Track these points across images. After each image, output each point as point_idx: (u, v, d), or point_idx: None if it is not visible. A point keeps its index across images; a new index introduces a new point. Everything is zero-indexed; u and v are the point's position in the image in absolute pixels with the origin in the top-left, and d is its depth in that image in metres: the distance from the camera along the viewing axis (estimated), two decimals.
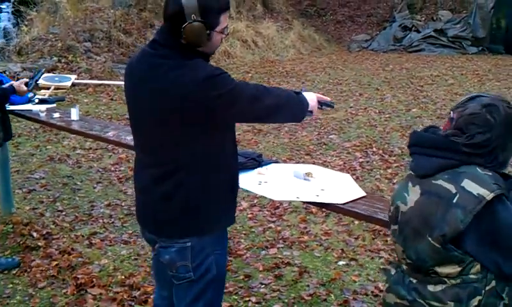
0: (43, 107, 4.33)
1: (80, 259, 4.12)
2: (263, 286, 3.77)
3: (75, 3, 12.88)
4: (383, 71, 12.93)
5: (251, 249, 4.32)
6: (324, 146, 7.06)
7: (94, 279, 3.80)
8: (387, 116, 8.62)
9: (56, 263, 4.04)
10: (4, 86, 4.16)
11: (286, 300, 3.59)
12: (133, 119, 2.23)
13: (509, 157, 1.83)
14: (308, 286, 3.77)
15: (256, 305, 3.55)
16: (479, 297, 1.72)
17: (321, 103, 2.52)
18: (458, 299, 1.73)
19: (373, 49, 18.53)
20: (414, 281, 1.84)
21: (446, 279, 1.75)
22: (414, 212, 1.81)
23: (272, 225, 4.76)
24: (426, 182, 1.79)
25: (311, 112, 2.40)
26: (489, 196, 1.65)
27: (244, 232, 4.64)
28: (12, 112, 4.40)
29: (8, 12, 14.85)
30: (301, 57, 15.23)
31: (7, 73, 9.77)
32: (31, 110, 4.42)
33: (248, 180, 2.70)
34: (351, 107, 9.07)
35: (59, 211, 5.05)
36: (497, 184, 1.68)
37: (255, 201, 5.24)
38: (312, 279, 3.87)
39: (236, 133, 2.31)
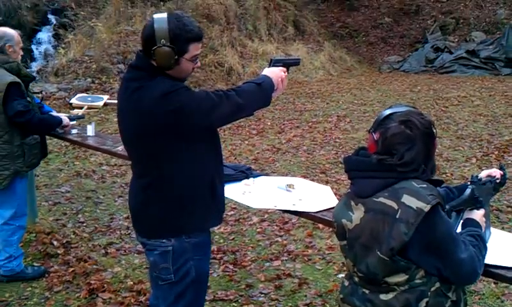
0: None
1: (95, 266, 4.40)
2: (262, 295, 3.97)
3: (110, 27, 13.44)
4: (410, 92, 12.98)
5: (256, 261, 4.52)
6: (340, 165, 7.20)
7: (105, 285, 4.08)
8: None
9: (72, 269, 4.33)
10: (55, 117, 4.43)
11: None
12: (121, 136, 2.50)
13: (435, 162, 2.00)
14: (305, 296, 3.94)
15: None
16: (426, 299, 1.88)
17: (288, 68, 2.68)
18: (408, 303, 1.89)
19: (404, 70, 18.56)
20: (367, 291, 2.00)
21: (396, 287, 1.91)
22: (362, 229, 1.96)
23: (279, 239, 4.95)
24: (368, 201, 1.95)
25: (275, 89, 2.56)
26: (426, 207, 1.82)
27: (251, 245, 4.85)
28: None
29: (49, 35, 15.63)
30: (329, 78, 15.41)
31: (43, 93, 10.32)
32: None
33: (233, 190, 2.93)
34: None
35: (80, 222, 5.37)
36: (432, 194, 1.85)
37: (266, 217, 5.44)
38: (310, 290, 4.04)
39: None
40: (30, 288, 4.08)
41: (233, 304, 3.86)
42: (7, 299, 3.92)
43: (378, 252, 1.89)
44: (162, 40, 2.24)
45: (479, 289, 3.92)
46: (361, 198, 1.97)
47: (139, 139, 2.34)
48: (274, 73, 2.60)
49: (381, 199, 1.90)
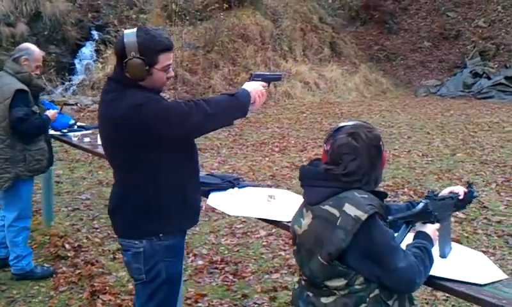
0: (79, 133, 4.91)
1: (101, 270, 4.58)
2: (256, 305, 4.06)
3: None
4: (441, 116, 12.88)
5: (256, 273, 4.61)
6: None
7: (107, 288, 4.24)
8: (429, 159, 8.66)
9: (79, 271, 4.52)
10: (44, 120, 4.41)
11: None
12: (102, 144, 2.66)
13: (380, 175, 2.08)
14: None
15: None
16: (364, 305, 1.96)
17: (268, 83, 2.79)
18: None
19: (441, 95, 18.41)
20: (310, 294, 2.09)
21: (335, 291, 2.00)
22: (308, 235, 2.07)
23: (282, 253, 5.03)
24: (316, 208, 2.05)
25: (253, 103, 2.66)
26: (363, 216, 1.91)
27: (254, 257, 4.94)
28: (52, 136, 4.94)
29: (91, 50, 16.21)
30: (362, 100, 15.43)
31: (78, 105, 10.75)
32: (67, 134, 4.99)
33: (216, 198, 3.05)
34: (395, 149, 9.18)
35: (94, 228, 5.59)
36: (371, 204, 1.94)
37: (273, 231, 5.52)
38: None
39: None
40: (37, 287, 4.29)
41: None
42: (14, 296, 4.14)
43: (319, 257, 1.98)
44: (132, 53, 2.38)
45: None
46: (311, 206, 2.07)
47: (115, 148, 2.50)
48: (253, 86, 2.72)
49: (327, 207, 2.00)
